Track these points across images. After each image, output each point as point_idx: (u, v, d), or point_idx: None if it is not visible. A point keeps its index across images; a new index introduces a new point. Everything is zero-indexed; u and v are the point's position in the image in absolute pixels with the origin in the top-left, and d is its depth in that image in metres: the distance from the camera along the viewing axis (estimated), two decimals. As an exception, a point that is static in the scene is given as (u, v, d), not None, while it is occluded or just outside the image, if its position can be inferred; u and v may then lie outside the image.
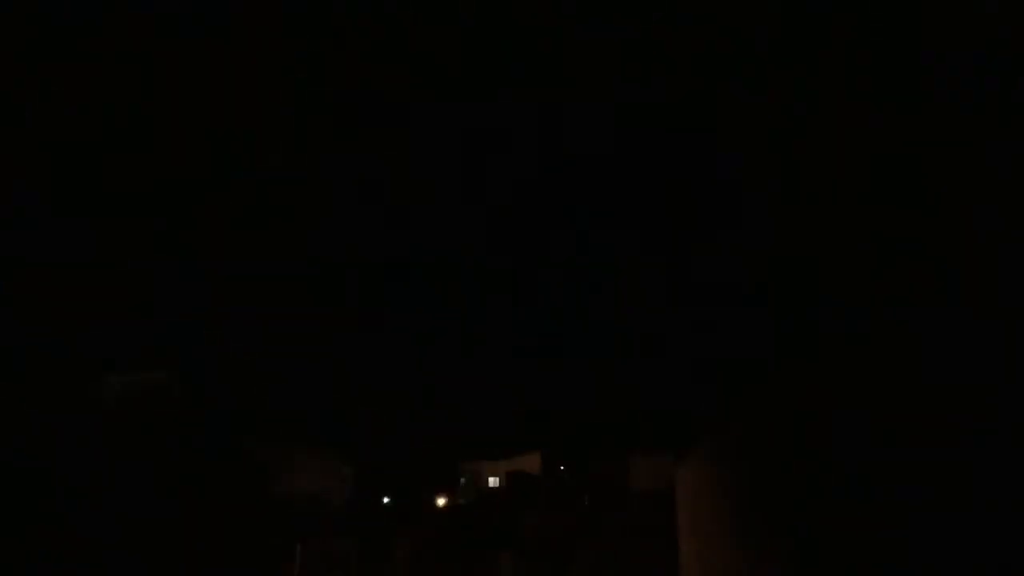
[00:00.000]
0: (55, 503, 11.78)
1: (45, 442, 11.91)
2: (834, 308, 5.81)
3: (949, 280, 4.86)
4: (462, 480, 52.80)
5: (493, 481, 51.68)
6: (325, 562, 27.70)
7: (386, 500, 45.79)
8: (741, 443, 11.04)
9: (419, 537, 34.51)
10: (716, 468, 12.78)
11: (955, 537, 5.14)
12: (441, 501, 46.10)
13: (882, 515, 6.22)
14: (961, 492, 4.88)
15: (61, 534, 11.73)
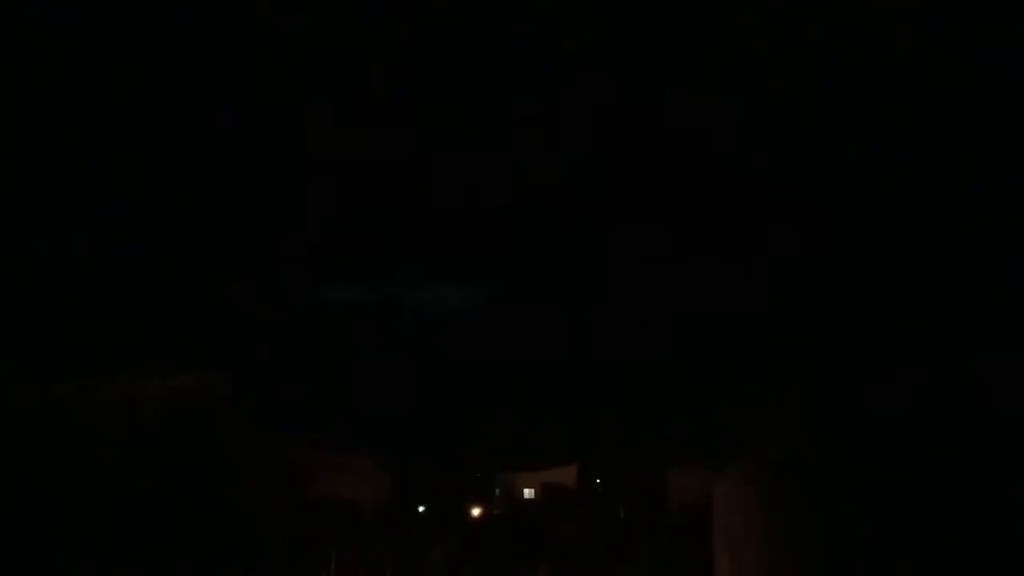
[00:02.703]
0: (91, 506, 12.02)
1: (82, 446, 12.17)
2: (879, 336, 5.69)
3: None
4: (496, 491, 52.77)
5: (528, 492, 51.55)
6: (360, 569, 27.85)
7: (421, 509, 45.90)
8: (782, 463, 10.85)
9: (454, 547, 34.50)
10: (755, 486, 12.57)
11: (1001, 566, 4.97)
12: (476, 511, 46.10)
13: (929, 544, 6.04)
14: (1011, 526, 4.72)
15: (98, 536, 11.96)
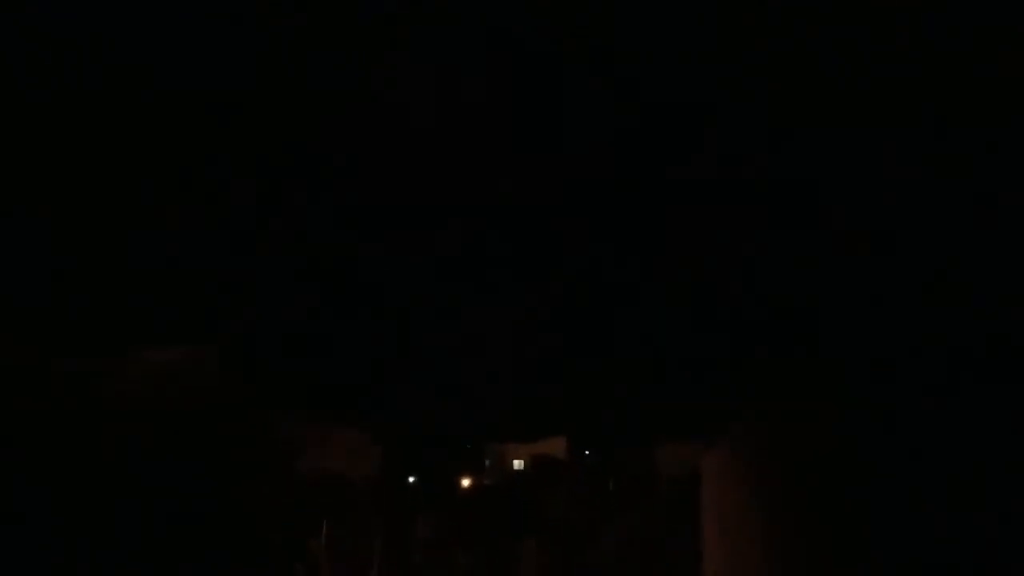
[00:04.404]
0: (81, 482, 11.96)
1: (72, 422, 12.09)
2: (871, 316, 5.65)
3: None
4: (487, 462, 53.05)
5: (517, 464, 51.91)
6: (350, 540, 28.03)
7: (411, 479, 46.11)
8: (770, 434, 10.91)
9: (444, 517, 34.77)
10: (743, 458, 12.66)
11: (987, 541, 5.00)
12: (466, 482, 46.41)
13: (912, 515, 6.08)
14: (1001, 498, 4.73)
15: (86, 512, 11.92)
